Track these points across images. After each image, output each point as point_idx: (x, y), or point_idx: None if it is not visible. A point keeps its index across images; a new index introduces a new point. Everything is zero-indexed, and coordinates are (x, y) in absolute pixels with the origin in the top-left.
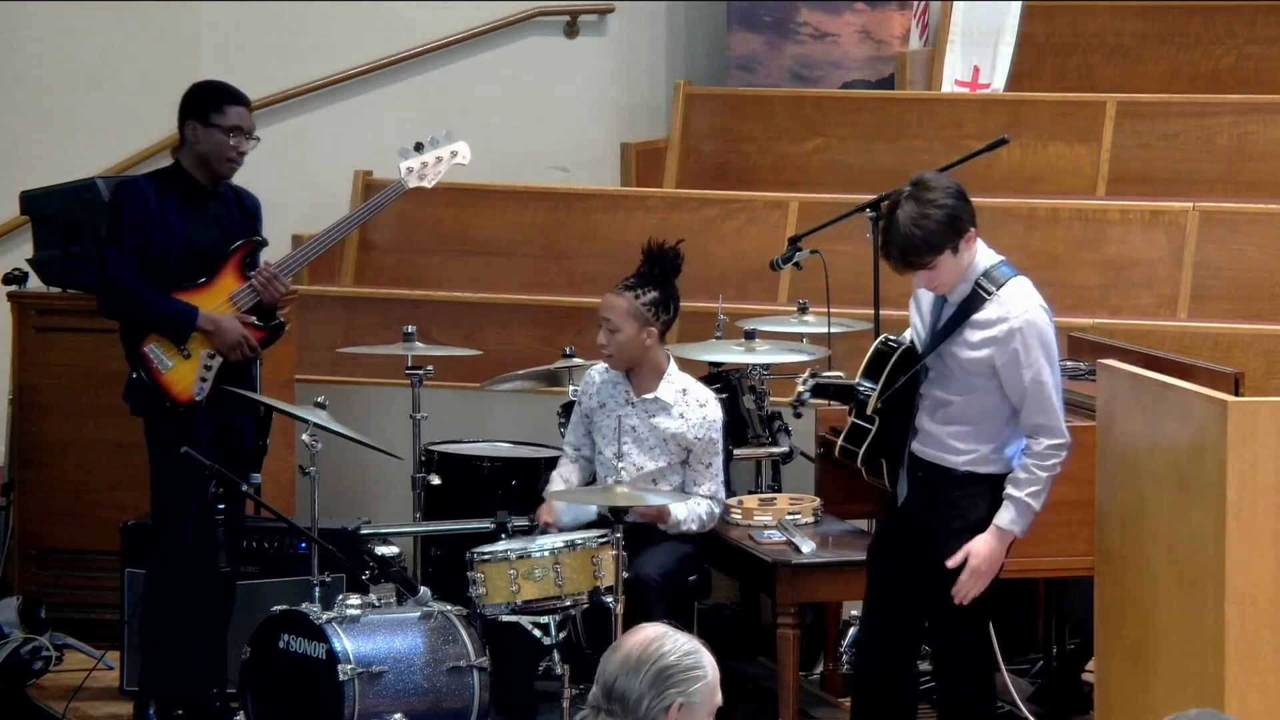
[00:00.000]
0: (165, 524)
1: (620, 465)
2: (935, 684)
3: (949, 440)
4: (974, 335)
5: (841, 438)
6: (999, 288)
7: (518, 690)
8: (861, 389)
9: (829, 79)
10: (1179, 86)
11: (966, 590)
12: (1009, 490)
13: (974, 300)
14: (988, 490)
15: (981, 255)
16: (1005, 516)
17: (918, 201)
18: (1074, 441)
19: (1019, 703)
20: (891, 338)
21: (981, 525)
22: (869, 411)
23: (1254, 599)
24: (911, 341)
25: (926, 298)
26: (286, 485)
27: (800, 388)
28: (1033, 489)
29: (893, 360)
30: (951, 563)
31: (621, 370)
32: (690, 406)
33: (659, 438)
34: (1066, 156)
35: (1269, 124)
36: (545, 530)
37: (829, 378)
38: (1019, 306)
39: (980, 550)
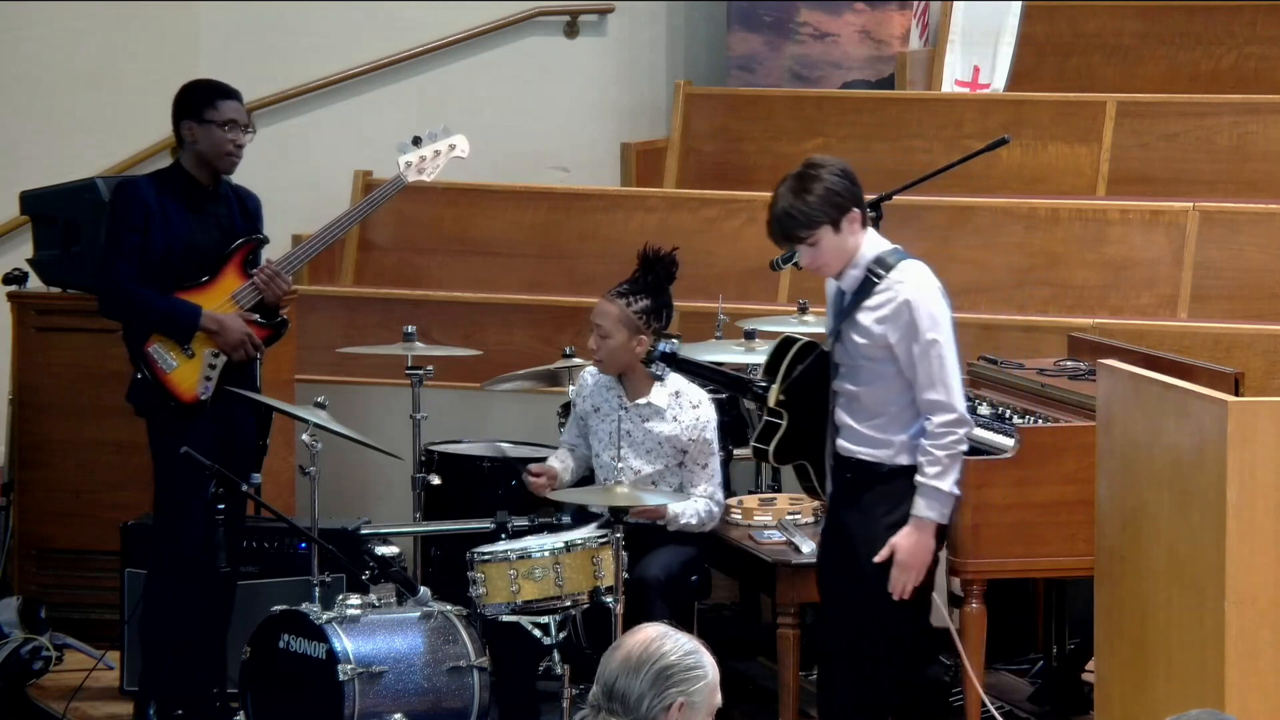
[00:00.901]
0: (168, 524)
1: (619, 467)
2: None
3: (867, 433)
4: (866, 318)
5: (754, 436)
6: (889, 271)
7: (518, 690)
8: (758, 384)
9: (829, 79)
10: (1179, 86)
11: (901, 585)
12: (917, 477)
13: (866, 285)
14: (913, 482)
15: (873, 243)
16: (919, 504)
17: (800, 178)
18: (970, 421)
19: (986, 700)
20: (794, 334)
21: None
22: (771, 404)
23: (1254, 599)
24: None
25: (832, 290)
26: (286, 485)
27: (657, 348)
28: (935, 470)
29: (791, 352)
30: (878, 558)
31: (612, 375)
32: (683, 409)
33: (654, 441)
34: (1066, 156)
35: (1269, 124)
36: (538, 491)
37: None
38: (907, 283)
39: (904, 543)
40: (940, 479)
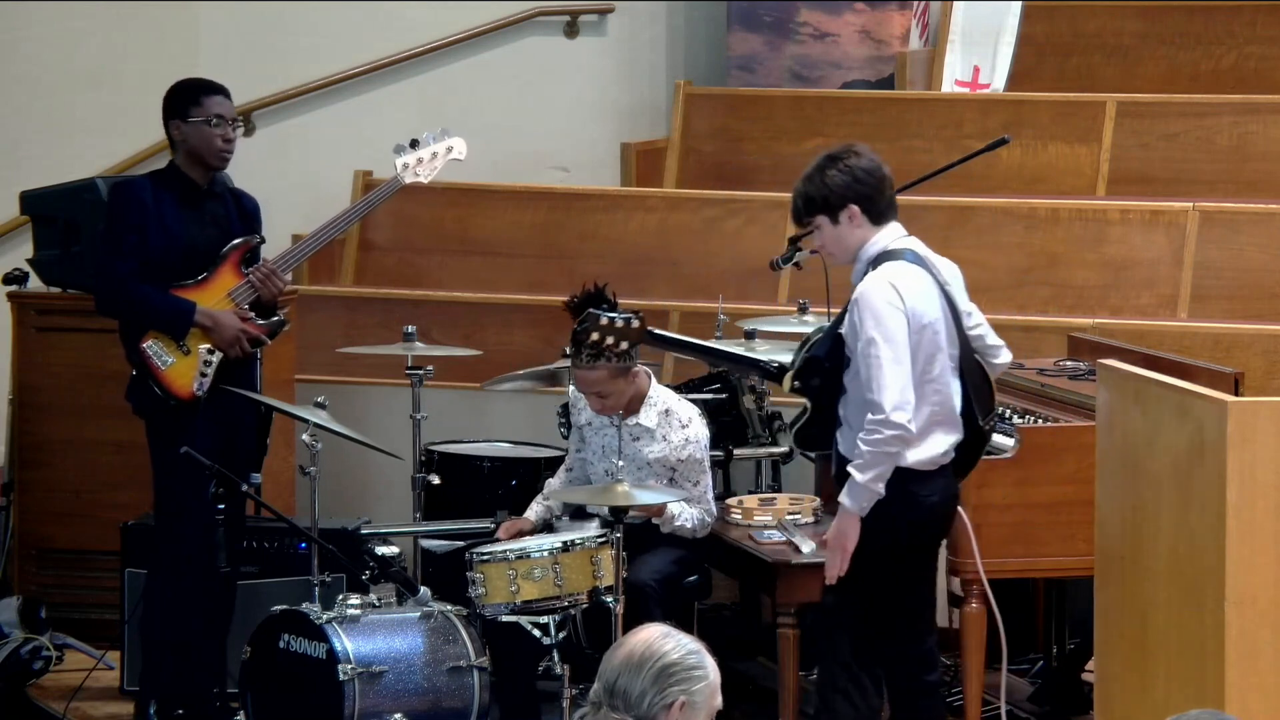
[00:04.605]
0: (168, 524)
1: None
2: None
3: (845, 423)
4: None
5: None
6: (873, 270)
7: (518, 690)
8: (772, 365)
9: (829, 79)
10: (1179, 86)
11: (828, 568)
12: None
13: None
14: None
15: (883, 241)
16: (842, 491)
17: (817, 165)
18: (907, 428)
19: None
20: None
21: (874, 513)
22: (786, 389)
23: (1254, 599)
24: None
25: None
26: (286, 485)
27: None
28: (858, 463)
29: (811, 339)
30: (817, 541)
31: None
32: (672, 428)
33: (644, 459)
34: (1066, 156)
35: (1269, 124)
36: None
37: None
38: (868, 280)
39: (831, 527)
40: (858, 470)
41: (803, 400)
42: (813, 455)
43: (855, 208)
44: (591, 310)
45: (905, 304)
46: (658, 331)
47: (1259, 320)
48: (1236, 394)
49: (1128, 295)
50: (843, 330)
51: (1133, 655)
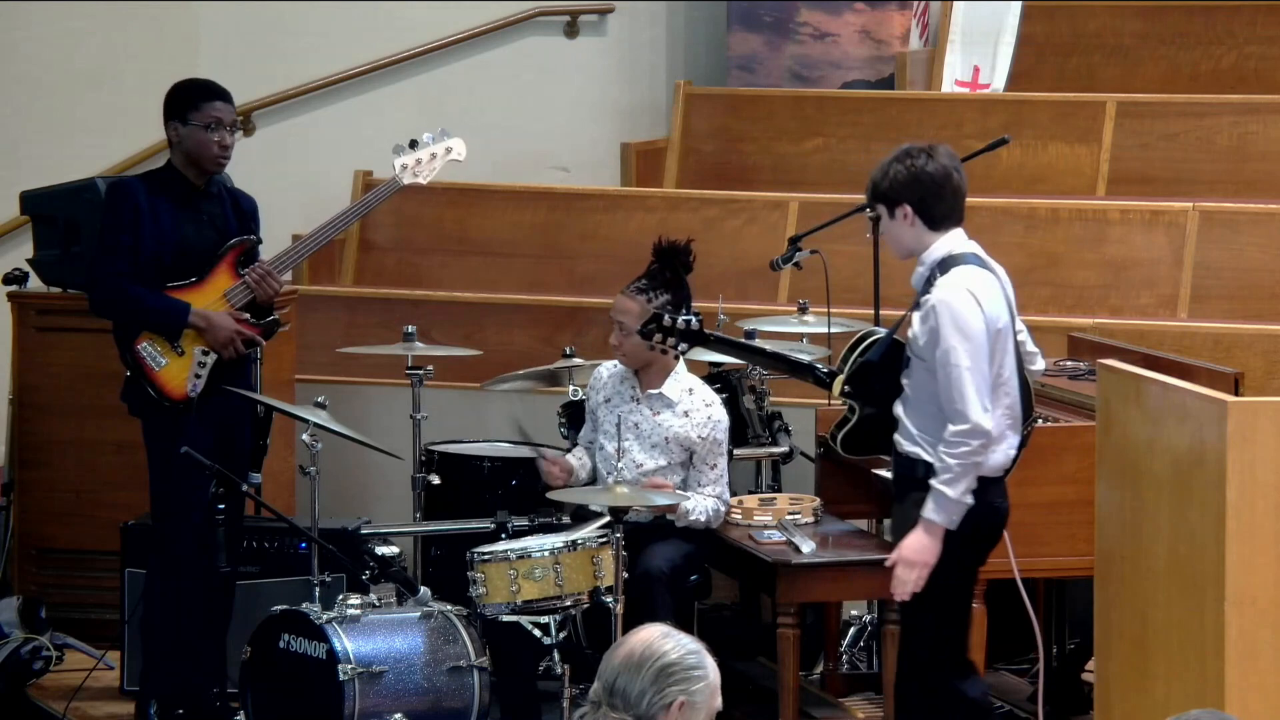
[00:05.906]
0: (165, 524)
1: (620, 464)
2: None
3: (911, 429)
4: (915, 317)
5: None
6: (945, 274)
7: (518, 690)
8: (822, 370)
9: (829, 79)
10: (1179, 86)
11: (900, 583)
12: (930, 480)
13: (926, 286)
14: None
15: (948, 245)
16: (927, 505)
17: (891, 157)
18: (991, 434)
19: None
20: (875, 329)
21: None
22: (836, 393)
23: (1254, 599)
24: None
25: None
26: (286, 485)
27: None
28: (945, 476)
29: (865, 344)
30: (887, 562)
31: (632, 369)
32: (695, 405)
33: (661, 435)
34: (1066, 156)
35: (1269, 124)
36: (550, 479)
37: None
38: (944, 287)
39: (907, 542)
40: (948, 485)
41: (849, 405)
42: (855, 458)
43: (909, 208)
44: (656, 310)
45: (984, 310)
46: (712, 333)
47: (1259, 320)
48: (1236, 394)
49: (1128, 295)
50: (912, 335)
51: (1133, 655)
